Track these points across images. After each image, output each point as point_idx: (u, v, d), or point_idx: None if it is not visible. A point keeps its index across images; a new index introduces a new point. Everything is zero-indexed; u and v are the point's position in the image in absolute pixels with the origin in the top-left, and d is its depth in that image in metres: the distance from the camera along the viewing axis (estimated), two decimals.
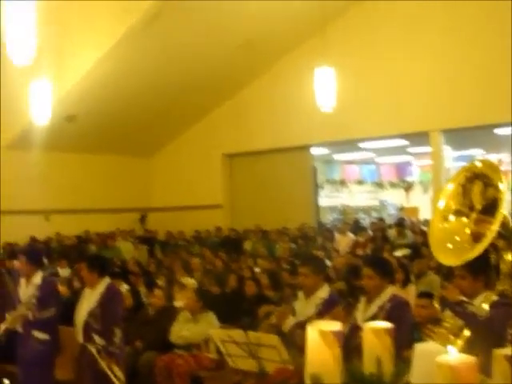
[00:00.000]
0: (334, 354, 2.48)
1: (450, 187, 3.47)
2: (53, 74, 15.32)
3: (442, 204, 3.46)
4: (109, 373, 6.49)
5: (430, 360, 2.29)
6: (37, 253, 9.07)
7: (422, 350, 2.64)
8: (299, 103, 18.66)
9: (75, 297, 10.62)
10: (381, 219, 21.76)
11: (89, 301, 7.54)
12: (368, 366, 2.67)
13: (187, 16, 16.24)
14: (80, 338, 7.48)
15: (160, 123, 21.55)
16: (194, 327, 9.11)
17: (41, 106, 14.93)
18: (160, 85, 18.90)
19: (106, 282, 7.64)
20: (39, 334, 7.85)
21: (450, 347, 2.36)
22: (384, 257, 10.77)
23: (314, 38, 18.07)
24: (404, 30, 17.46)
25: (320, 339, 2.46)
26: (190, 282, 12.13)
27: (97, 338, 7.26)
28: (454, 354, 2.26)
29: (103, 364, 6.59)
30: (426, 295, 7.50)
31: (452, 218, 3.39)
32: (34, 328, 7.87)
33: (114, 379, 6.43)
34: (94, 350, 6.77)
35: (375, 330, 2.70)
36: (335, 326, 2.54)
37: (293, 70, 19.46)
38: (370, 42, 18.20)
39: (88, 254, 9.72)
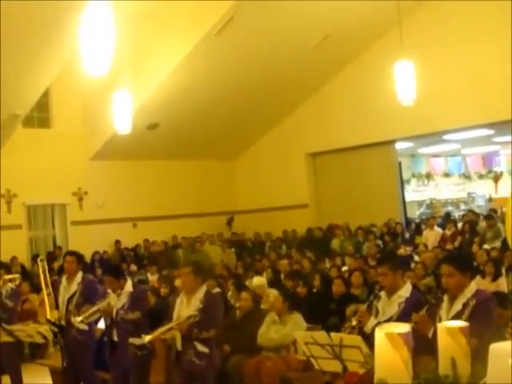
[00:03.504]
0: (402, 356, 2.39)
1: None
2: (132, 84, 15.53)
3: None
4: None
5: (505, 361, 2.19)
6: (116, 268, 9.22)
7: (497, 349, 2.53)
8: (380, 98, 18.44)
9: (163, 303, 10.74)
10: (471, 211, 21.31)
11: (188, 308, 7.49)
12: (444, 368, 2.57)
13: (262, 17, 16.25)
14: (178, 344, 7.46)
15: (242, 126, 21.63)
16: (281, 329, 9.08)
17: (123, 116, 15.10)
18: (239, 88, 18.96)
19: (204, 288, 7.62)
20: (136, 341, 7.91)
21: None
22: (463, 251, 10.56)
23: (391, 31, 17.82)
24: (482, 18, 17.08)
25: (387, 342, 2.38)
26: (260, 280, 12.05)
27: (199, 346, 7.29)
28: None
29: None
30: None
31: None
32: (131, 335, 7.95)
33: None
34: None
35: (450, 330, 2.61)
36: (403, 328, 2.46)
37: (372, 65, 19.28)
38: (447, 31, 17.90)
39: (190, 260, 9.71)
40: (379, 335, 2.45)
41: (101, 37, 10.08)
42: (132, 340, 7.95)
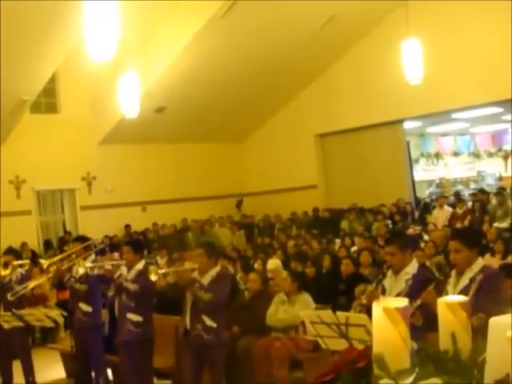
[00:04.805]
0: (400, 331, 2.37)
1: None
2: (139, 68, 15.52)
3: None
4: None
5: (504, 334, 2.16)
6: (139, 243, 9.30)
7: (497, 323, 2.50)
8: (388, 77, 18.40)
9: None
10: (481, 190, 21.21)
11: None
12: (444, 343, 2.55)
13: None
14: (187, 322, 7.54)
15: (249, 108, 21.57)
16: (290, 309, 9.07)
17: (130, 100, 15.12)
18: (246, 70, 18.91)
19: (218, 267, 7.75)
20: (133, 316, 7.98)
21: None
22: (471, 227, 10.51)
23: (397, 10, 17.75)
24: None
25: (385, 317, 2.36)
26: (274, 263, 12.03)
27: (207, 320, 7.40)
28: None
29: None
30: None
31: None
32: (129, 311, 8.00)
33: None
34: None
35: (450, 305, 2.58)
36: (401, 302, 2.43)
37: (379, 44, 19.20)
38: (454, 8, 17.72)
39: (201, 242, 9.78)
40: (376, 310, 2.42)
41: (106, 21, 10.05)
42: (130, 315, 8.01)
